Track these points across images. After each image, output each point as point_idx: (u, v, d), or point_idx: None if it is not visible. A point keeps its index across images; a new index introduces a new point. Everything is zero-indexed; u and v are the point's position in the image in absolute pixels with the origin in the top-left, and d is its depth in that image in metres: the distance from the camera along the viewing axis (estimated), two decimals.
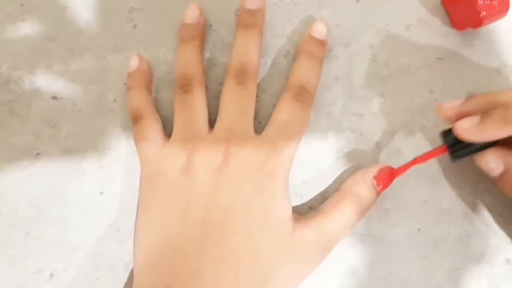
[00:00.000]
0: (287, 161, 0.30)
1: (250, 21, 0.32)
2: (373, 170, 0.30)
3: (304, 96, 0.31)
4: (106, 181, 0.32)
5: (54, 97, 0.33)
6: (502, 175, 0.28)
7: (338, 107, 0.32)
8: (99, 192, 0.32)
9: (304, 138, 0.31)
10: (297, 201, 0.32)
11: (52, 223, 0.32)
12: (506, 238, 0.31)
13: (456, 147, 0.28)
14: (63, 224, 0.32)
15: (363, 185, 0.30)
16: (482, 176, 0.30)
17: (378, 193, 0.30)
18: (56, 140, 0.32)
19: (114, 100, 0.32)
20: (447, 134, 0.28)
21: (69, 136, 0.32)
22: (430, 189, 0.31)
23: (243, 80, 0.31)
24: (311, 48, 0.32)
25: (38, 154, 0.32)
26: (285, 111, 0.30)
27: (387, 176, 0.30)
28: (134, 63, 0.32)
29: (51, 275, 0.31)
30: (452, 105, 0.28)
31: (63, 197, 0.32)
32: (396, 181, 0.30)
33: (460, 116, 0.28)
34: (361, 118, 0.32)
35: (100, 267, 0.31)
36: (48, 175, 0.32)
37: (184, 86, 0.31)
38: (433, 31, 0.33)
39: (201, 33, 0.32)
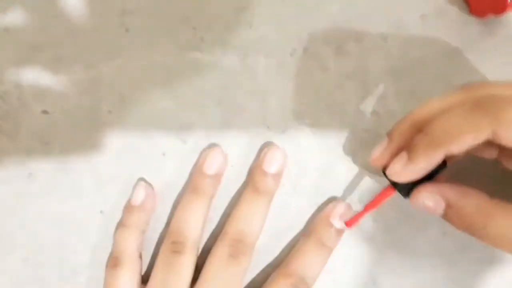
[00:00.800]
0: None
1: (263, 186, 0.28)
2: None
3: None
4: (106, 199, 0.30)
5: (45, 112, 0.30)
6: (448, 214, 0.24)
7: (352, 107, 0.30)
8: (98, 211, 0.30)
9: (316, 139, 0.29)
10: (311, 210, 0.30)
11: (49, 249, 0.30)
12: None
13: (402, 186, 0.25)
14: (61, 249, 0.30)
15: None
16: (509, 179, 0.28)
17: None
18: (49, 157, 0.30)
19: (109, 112, 0.30)
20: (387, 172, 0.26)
21: (62, 152, 0.30)
22: None
23: (237, 252, 0.27)
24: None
25: (30, 174, 0.30)
26: None
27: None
28: (138, 197, 0.29)
29: None
30: (379, 152, 0.25)
31: (59, 219, 0.30)
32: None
33: (394, 156, 0.25)
34: (377, 118, 0.30)
35: None
36: (41, 196, 0.30)
37: (176, 244, 0.27)
38: (451, 20, 0.30)
39: (215, 186, 0.29)
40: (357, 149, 0.30)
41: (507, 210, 0.22)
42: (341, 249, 0.29)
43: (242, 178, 0.30)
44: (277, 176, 0.28)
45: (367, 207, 0.27)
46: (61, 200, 0.30)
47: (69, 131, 0.30)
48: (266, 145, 0.30)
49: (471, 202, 0.23)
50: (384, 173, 0.26)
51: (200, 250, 0.29)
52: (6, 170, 0.30)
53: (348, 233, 0.29)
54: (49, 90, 0.30)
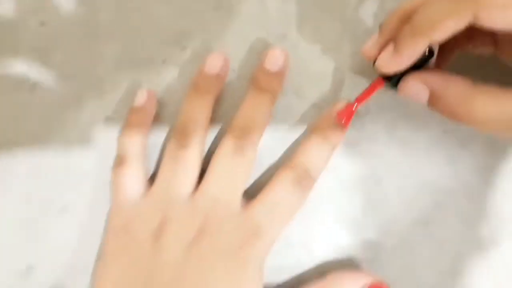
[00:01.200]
0: (267, 247, 0.27)
1: (265, 84, 0.28)
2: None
3: (306, 179, 0.27)
4: (109, 106, 0.30)
5: (42, 23, 0.30)
6: (433, 100, 0.25)
7: (351, 11, 0.30)
8: (103, 118, 0.30)
9: (316, 43, 0.29)
10: (313, 113, 0.30)
11: (56, 156, 0.30)
12: None
13: (390, 76, 0.26)
14: (68, 155, 0.30)
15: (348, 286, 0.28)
16: (508, 76, 0.28)
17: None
18: (51, 68, 0.30)
19: (107, 21, 0.30)
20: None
21: (63, 64, 0.30)
22: None
23: (241, 146, 0.27)
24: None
25: (33, 84, 0.30)
26: (280, 193, 0.27)
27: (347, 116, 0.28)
28: (141, 98, 0.29)
29: (62, 208, 0.30)
30: (370, 44, 0.26)
31: (64, 127, 0.30)
32: None
33: (383, 48, 0.25)
34: (376, 19, 0.30)
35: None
36: (45, 106, 0.30)
37: (182, 139, 0.28)
38: None
39: (218, 86, 0.29)
40: (357, 52, 0.30)
41: (490, 93, 0.23)
42: (344, 148, 0.29)
43: (244, 82, 0.30)
44: (280, 75, 0.29)
45: (357, 99, 0.27)
46: (64, 109, 0.30)
47: (68, 42, 0.30)
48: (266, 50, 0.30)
49: (455, 87, 0.24)
50: (374, 66, 0.26)
51: (206, 150, 0.29)
52: (9, 82, 0.30)
53: (351, 133, 0.29)
54: (46, 2, 0.30)
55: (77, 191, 0.30)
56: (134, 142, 0.29)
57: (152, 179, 0.29)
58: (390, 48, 0.25)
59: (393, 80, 0.26)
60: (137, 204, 0.28)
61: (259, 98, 0.28)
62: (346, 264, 0.30)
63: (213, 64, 0.29)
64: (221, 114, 0.30)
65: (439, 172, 0.30)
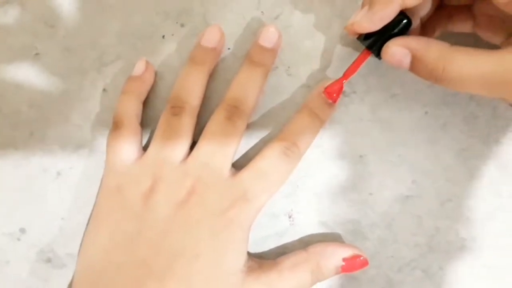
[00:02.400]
0: (253, 212, 0.29)
1: (259, 58, 0.30)
2: None
3: (293, 151, 0.29)
4: (109, 78, 0.31)
5: None
6: (414, 63, 0.26)
7: None
8: (101, 90, 0.31)
9: (308, 23, 0.31)
10: (303, 91, 0.31)
11: (55, 123, 0.31)
12: None
13: (375, 46, 0.28)
14: (66, 123, 0.31)
15: (328, 258, 0.29)
16: None
17: None
18: (55, 39, 0.31)
19: None
20: (363, 38, 0.28)
21: (68, 35, 0.31)
22: None
23: (233, 116, 0.29)
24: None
25: (37, 54, 0.31)
26: (269, 162, 0.29)
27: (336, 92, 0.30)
28: (139, 69, 0.31)
29: (58, 174, 0.31)
30: (353, 16, 0.27)
31: (65, 96, 0.31)
32: None
33: None
34: None
35: None
36: (48, 75, 0.31)
37: (176, 108, 0.29)
38: None
39: (213, 59, 0.31)
40: (346, 34, 0.31)
41: (467, 52, 0.25)
42: (329, 126, 0.31)
43: (238, 60, 0.31)
44: (272, 51, 0.30)
45: (346, 73, 0.29)
46: (66, 78, 0.31)
47: (74, 15, 0.31)
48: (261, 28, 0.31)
49: (433, 49, 0.25)
50: (359, 40, 0.28)
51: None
52: (13, 50, 0.31)
53: (336, 112, 0.31)
54: None
55: (72, 158, 0.31)
56: (131, 108, 0.30)
57: (146, 147, 0.31)
58: (365, 8, 0.26)
59: (376, 48, 0.28)
60: (131, 166, 0.29)
61: (253, 71, 0.30)
62: (327, 236, 0.31)
63: (210, 38, 0.30)
64: (214, 89, 0.31)
65: (418, 150, 0.31)
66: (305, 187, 0.31)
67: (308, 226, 0.31)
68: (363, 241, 0.31)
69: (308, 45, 0.31)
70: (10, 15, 0.31)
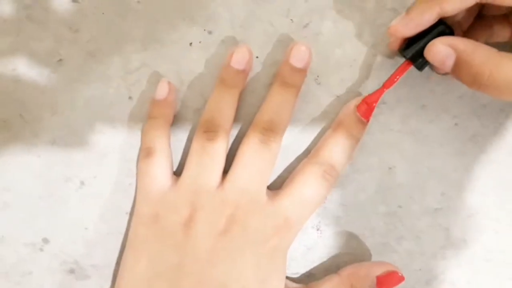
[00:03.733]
0: (294, 237, 0.29)
1: (291, 79, 0.29)
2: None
3: (332, 175, 0.29)
4: (134, 86, 0.31)
5: (74, 0, 0.31)
6: (457, 65, 0.26)
7: (372, 3, 0.31)
8: (127, 97, 0.31)
9: (337, 32, 0.31)
10: (332, 100, 0.31)
11: (78, 131, 0.30)
12: None
13: (416, 57, 0.27)
14: (90, 131, 0.30)
15: (362, 279, 0.29)
16: None
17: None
18: (78, 45, 0.31)
19: (138, 1, 0.31)
20: (404, 49, 0.28)
21: (91, 40, 0.31)
22: None
23: (268, 139, 0.28)
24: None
25: (60, 60, 0.31)
26: (309, 188, 0.28)
27: (367, 109, 0.29)
28: (162, 91, 0.30)
29: (82, 183, 0.30)
30: (395, 22, 0.27)
31: (89, 103, 0.31)
32: (434, 76, 0.30)
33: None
34: (394, 13, 0.31)
35: (132, 173, 0.30)
36: (71, 82, 0.31)
37: (210, 132, 0.29)
38: None
39: (243, 81, 0.30)
40: (377, 43, 0.31)
41: None
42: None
43: (266, 68, 0.31)
44: (304, 70, 0.30)
45: (385, 85, 0.29)
46: (89, 85, 0.31)
47: (97, 20, 0.31)
48: (289, 38, 0.31)
49: (481, 52, 0.25)
50: (400, 52, 0.28)
51: (231, 140, 0.31)
52: (37, 56, 0.31)
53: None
54: None
55: (96, 167, 0.31)
56: (160, 133, 0.29)
57: (177, 169, 0.30)
58: (403, 14, 0.26)
59: (420, 61, 0.27)
60: (166, 194, 0.29)
61: (284, 93, 0.29)
62: (356, 248, 0.31)
63: (239, 59, 0.29)
64: (242, 100, 0.31)
65: (448, 162, 0.31)
66: (333, 199, 0.31)
67: (336, 238, 0.31)
68: (391, 254, 0.31)
69: (338, 53, 0.31)
70: (34, 20, 0.31)
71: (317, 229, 0.31)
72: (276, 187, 0.30)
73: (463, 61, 0.25)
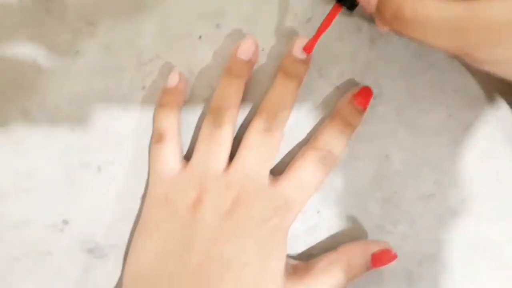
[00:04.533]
0: (293, 218, 0.31)
1: (293, 70, 0.31)
2: None
3: (329, 159, 0.31)
4: (147, 77, 0.33)
5: None
6: (379, 4, 0.26)
7: None
8: (141, 87, 0.33)
9: (339, 26, 0.32)
10: (332, 91, 0.33)
11: (95, 120, 0.32)
12: None
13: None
14: (107, 120, 0.32)
15: (357, 255, 0.31)
16: None
17: None
18: (95, 37, 0.32)
19: None
20: None
21: (106, 33, 0.33)
22: (461, 77, 0.33)
23: (271, 127, 0.30)
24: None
25: (77, 52, 0.32)
26: (308, 172, 0.30)
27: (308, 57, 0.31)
28: (173, 80, 0.32)
29: (99, 168, 0.32)
30: None
31: (104, 94, 0.32)
32: (430, 69, 0.32)
33: None
34: None
35: (146, 158, 0.32)
36: (88, 72, 0.32)
37: (217, 119, 0.31)
38: None
39: (249, 71, 0.32)
40: (375, 36, 0.33)
41: None
42: (358, 127, 0.32)
43: (271, 60, 0.33)
44: (306, 61, 0.32)
45: (321, 29, 0.30)
46: (105, 76, 0.32)
47: (113, 13, 0.32)
48: (293, 32, 0.33)
49: None
50: None
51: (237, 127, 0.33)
52: (56, 47, 0.32)
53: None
54: None
55: (113, 154, 0.33)
56: (171, 120, 0.31)
57: (187, 154, 0.32)
58: None
59: (348, 2, 0.29)
60: (176, 177, 0.31)
61: (287, 83, 0.31)
62: (355, 230, 0.33)
63: (245, 50, 0.31)
64: (248, 89, 0.33)
65: (442, 151, 0.33)
66: (333, 184, 0.33)
67: (335, 221, 0.33)
68: (386, 235, 0.33)
69: (338, 46, 0.33)
70: (52, 13, 0.32)
71: (317, 212, 0.33)
72: (279, 171, 0.32)
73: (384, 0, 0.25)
